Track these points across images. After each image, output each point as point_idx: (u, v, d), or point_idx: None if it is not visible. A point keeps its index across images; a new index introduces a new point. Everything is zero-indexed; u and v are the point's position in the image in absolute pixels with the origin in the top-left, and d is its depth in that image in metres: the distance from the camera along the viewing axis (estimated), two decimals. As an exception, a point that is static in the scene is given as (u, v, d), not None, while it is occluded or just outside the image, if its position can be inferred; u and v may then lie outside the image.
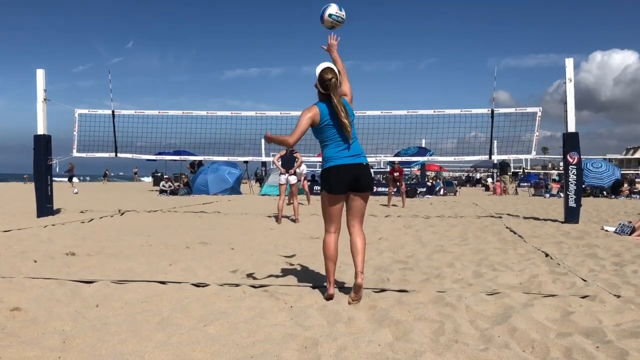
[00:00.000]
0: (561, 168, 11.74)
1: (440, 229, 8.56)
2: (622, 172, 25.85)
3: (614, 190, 20.34)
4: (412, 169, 31.73)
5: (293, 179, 9.90)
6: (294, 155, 9.84)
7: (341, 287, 4.24)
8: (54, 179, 11.15)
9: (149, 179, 40.28)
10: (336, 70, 3.79)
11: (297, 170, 13.05)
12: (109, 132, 11.31)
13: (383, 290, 4.13)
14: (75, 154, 11.32)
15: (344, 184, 3.72)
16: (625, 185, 20.70)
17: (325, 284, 3.98)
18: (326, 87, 3.73)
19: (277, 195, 20.65)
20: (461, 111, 10.80)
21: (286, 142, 3.93)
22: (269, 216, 11.06)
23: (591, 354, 2.71)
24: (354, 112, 3.93)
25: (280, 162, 9.94)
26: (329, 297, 3.82)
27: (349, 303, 3.71)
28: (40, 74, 10.77)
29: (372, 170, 3.70)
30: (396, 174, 14.92)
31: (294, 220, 9.79)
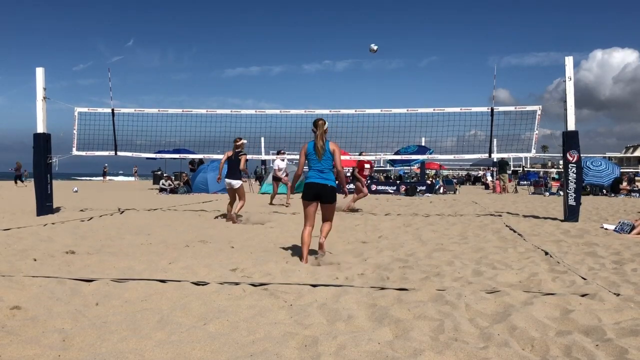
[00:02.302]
0: (561, 166, 11.74)
1: (440, 228, 8.57)
2: (621, 170, 25.85)
3: (613, 188, 20.34)
4: (412, 167, 31.76)
5: (236, 183, 9.53)
6: (239, 157, 9.55)
7: (339, 286, 4.25)
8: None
9: (129, 178, 39.82)
10: (325, 125, 5.45)
11: (280, 165, 13.51)
12: (108, 131, 11.31)
13: (383, 288, 4.13)
14: (74, 152, 11.31)
15: (312, 194, 5.47)
16: (625, 183, 20.68)
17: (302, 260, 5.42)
18: (315, 124, 5.45)
19: (278, 193, 20.72)
20: (461, 109, 10.80)
21: (296, 176, 5.92)
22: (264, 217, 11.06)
23: (591, 352, 2.72)
24: (331, 154, 5.43)
25: (225, 165, 9.67)
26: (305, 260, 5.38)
27: (315, 259, 5.39)
28: (39, 72, 10.76)
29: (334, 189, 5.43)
30: (367, 167, 12.87)
31: (233, 222, 9.27)
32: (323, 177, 5.40)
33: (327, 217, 5.61)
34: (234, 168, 9.57)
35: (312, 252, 5.57)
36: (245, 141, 9.99)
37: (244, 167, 9.62)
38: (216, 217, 10.26)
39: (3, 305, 3.57)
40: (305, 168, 5.57)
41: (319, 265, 5.24)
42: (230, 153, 9.61)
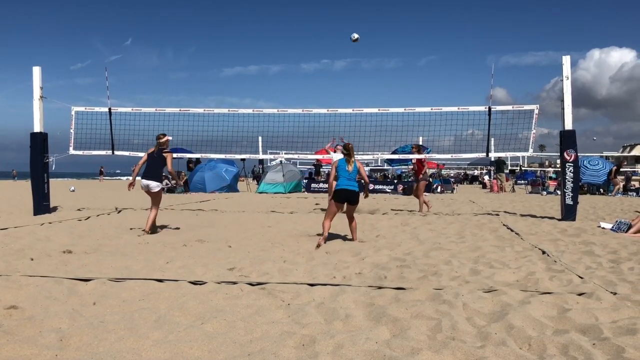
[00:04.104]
0: (558, 165, 11.74)
1: (438, 227, 8.57)
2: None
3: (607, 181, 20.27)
4: (409, 167, 31.75)
5: (155, 186, 7.87)
6: (164, 155, 7.97)
7: (337, 285, 4.25)
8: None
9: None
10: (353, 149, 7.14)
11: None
12: (105, 130, 11.29)
13: (380, 287, 4.13)
14: (71, 151, 11.29)
15: (342, 197, 6.92)
16: (619, 177, 20.28)
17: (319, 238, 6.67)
18: (346, 148, 7.12)
19: (275, 193, 20.78)
20: (458, 109, 10.80)
21: (330, 184, 7.30)
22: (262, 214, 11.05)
23: (588, 351, 2.72)
24: (357, 169, 7.03)
25: (145, 165, 8.07)
26: (318, 245, 6.53)
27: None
28: (36, 71, 10.73)
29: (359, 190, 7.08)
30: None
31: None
32: (351, 185, 6.91)
33: (351, 214, 7.06)
34: (154, 168, 7.93)
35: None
36: (170, 138, 8.21)
37: (171, 168, 8.02)
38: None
39: (0, 305, 3.56)
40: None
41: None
42: (152, 150, 8.07)
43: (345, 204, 6.99)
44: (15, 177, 43.06)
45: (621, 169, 20.36)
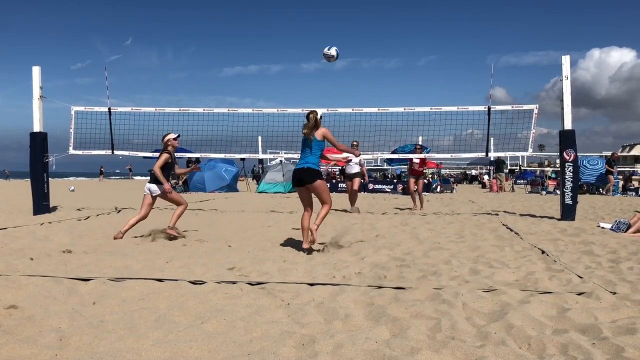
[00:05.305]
0: (557, 165, 11.74)
1: (437, 226, 8.57)
2: (618, 169, 25.74)
3: (602, 180, 20.20)
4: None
5: (155, 189, 7.06)
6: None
7: (337, 284, 4.25)
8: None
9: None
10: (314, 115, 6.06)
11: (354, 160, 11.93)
12: (105, 130, 11.28)
13: (380, 287, 4.13)
14: (71, 151, 11.29)
15: (295, 181, 6.07)
16: (611, 175, 20.04)
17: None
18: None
19: (274, 192, 20.76)
20: (458, 108, 10.79)
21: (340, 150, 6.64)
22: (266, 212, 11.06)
23: (587, 351, 2.72)
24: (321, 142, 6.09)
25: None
26: (304, 249, 5.96)
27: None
28: (36, 71, 10.72)
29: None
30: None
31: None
32: (304, 163, 6.00)
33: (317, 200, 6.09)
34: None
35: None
36: (171, 136, 7.28)
37: (156, 168, 7.00)
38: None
39: (-1, 305, 3.56)
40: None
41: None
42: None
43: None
44: (8, 177, 42.72)
45: (613, 162, 19.93)
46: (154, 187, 7.11)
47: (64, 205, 12.58)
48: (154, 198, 7.19)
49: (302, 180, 5.96)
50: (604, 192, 19.65)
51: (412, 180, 12.46)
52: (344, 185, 13.11)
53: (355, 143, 11.36)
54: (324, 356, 2.71)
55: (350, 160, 11.59)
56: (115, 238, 6.94)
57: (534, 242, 6.71)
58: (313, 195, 6.10)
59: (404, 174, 35.58)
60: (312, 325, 3.19)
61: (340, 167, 16.58)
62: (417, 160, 12.37)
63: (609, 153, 23.47)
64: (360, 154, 7.28)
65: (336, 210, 11.73)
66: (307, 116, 6.09)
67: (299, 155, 6.18)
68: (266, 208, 12.59)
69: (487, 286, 4.16)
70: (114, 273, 4.66)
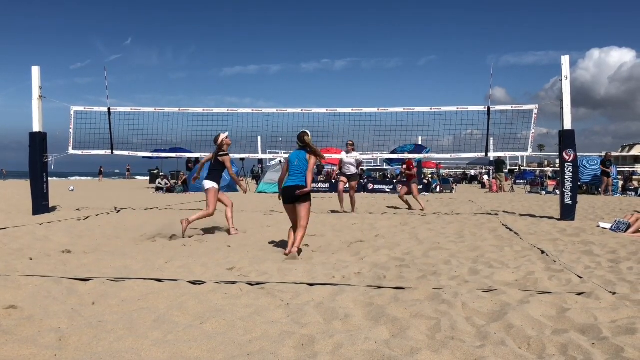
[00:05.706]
0: (557, 165, 11.74)
1: (437, 227, 8.57)
2: (618, 169, 25.72)
3: (598, 180, 20.18)
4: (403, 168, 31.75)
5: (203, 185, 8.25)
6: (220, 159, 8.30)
7: (336, 285, 4.25)
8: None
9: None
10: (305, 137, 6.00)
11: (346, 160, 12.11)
12: (104, 129, 11.27)
13: (379, 287, 4.13)
14: (71, 151, 11.28)
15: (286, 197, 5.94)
16: (607, 178, 19.94)
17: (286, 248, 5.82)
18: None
19: (274, 192, 20.73)
20: (457, 108, 10.79)
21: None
22: (265, 214, 11.06)
23: (587, 351, 2.72)
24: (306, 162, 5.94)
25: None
26: (286, 254, 5.66)
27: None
28: (35, 71, 10.72)
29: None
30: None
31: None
32: (294, 180, 5.90)
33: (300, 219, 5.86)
34: (210, 170, 8.54)
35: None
36: (224, 135, 8.32)
37: (231, 172, 8.34)
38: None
39: (-1, 305, 3.56)
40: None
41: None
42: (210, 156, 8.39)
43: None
44: (4, 177, 42.54)
45: (608, 162, 19.90)
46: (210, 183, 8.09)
47: (63, 205, 12.58)
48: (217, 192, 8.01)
49: (296, 197, 5.80)
50: (601, 192, 19.64)
51: (402, 188, 12.90)
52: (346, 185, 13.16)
53: (350, 143, 11.40)
54: (323, 356, 2.71)
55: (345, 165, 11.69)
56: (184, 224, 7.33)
57: (534, 242, 6.71)
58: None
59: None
60: (312, 326, 3.19)
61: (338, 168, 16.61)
62: (404, 166, 12.91)
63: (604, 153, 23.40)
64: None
65: (336, 211, 11.72)
66: (303, 138, 5.99)
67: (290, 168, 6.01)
68: (266, 208, 12.58)
69: (486, 286, 4.16)
70: (113, 273, 4.66)
